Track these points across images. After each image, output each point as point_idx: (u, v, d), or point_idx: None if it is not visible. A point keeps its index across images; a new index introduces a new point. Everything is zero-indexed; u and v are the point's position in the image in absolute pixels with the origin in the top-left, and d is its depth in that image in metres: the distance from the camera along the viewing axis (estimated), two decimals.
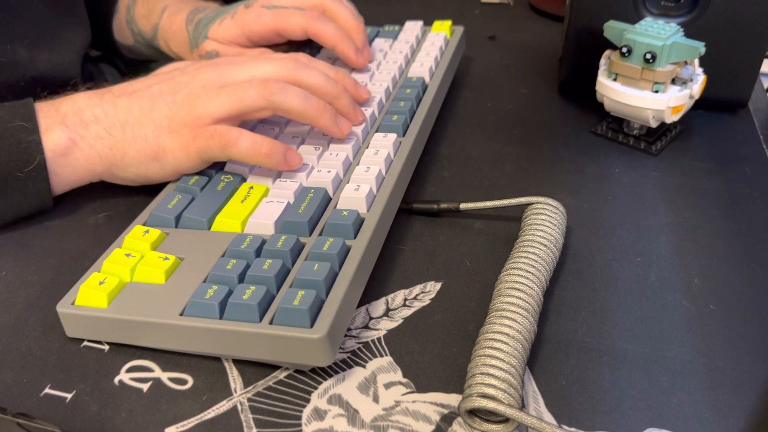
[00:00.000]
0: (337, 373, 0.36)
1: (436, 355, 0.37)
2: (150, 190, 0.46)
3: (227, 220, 0.41)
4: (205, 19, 0.57)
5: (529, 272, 0.38)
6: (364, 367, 0.36)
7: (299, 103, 0.43)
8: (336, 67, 0.49)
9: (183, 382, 0.36)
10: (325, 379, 0.36)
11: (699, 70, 0.52)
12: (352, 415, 0.34)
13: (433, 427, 0.33)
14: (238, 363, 0.37)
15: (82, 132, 0.43)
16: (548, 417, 0.34)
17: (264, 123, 0.49)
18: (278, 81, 0.43)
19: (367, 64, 0.57)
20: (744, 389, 0.35)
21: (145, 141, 0.43)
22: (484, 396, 0.31)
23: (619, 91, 0.51)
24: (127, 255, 0.38)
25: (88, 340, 0.38)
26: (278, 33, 0.55)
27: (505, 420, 0.32)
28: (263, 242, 0.39)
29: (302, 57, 0.47)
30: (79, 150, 0.44)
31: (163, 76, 0.45)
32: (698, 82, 0.51)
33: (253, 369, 0.36)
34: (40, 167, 0.43)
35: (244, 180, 0.44)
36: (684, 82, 0.51)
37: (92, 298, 0.36)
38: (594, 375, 0.36)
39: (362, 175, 0.43)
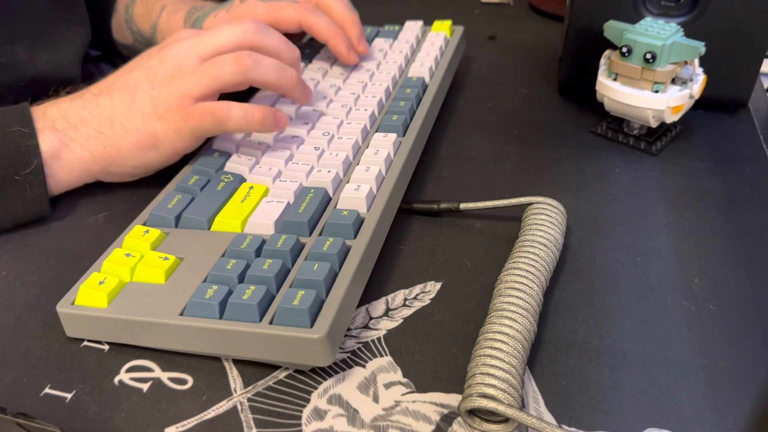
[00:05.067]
0: (337, 373, 0.36)
1: (436, 355, 0.37)
2: (150, 190, 0.46)
3: (227, 220, 0.41)
4: (202, 15, 0.58)
5: (529, 272, 0.38)
6: (364, 367, 0.36)
7: (274, 76, 0.44)
8: (290, 43, 0.48)
9: (183, 382, 0.36)
10: (325, 379, 0.36)
11: (699, 70, 0.52)
12: (352, 415, 0.34)
13: (433, 427, 0.33)
14: (238, 363, 0.37)
15: (72, 134, 0.44)
16: (548, 417, 0.34)
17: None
18: (251, 54, 0.43)
19: (363, 57, 0.56)
20: (744, 389, 0.35)
21: (137, 132, 0.44)
22: (484, 396, 0.31)
23: (619, 91, 0.51)
24: (127, 255, 0.38)
25: (88, 340, 0.38)
26: (272, 25, 0.55)
27: (505, 420, 0.32)
28: (263, 242, 0.39)
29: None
30: (72, 152, 0.44)
31: (132, 65, 0.46)
32: (698, 82, 0.51)
33: (253, 369, 0.36)
34: (38, 171, 0.43)
35: (244, 180, 0.44)
36: (684, 82, 0.51)
37: (92, 298, 0.36)
38: (594, 375, 0.35)
39: (362, 174, 0.43)
